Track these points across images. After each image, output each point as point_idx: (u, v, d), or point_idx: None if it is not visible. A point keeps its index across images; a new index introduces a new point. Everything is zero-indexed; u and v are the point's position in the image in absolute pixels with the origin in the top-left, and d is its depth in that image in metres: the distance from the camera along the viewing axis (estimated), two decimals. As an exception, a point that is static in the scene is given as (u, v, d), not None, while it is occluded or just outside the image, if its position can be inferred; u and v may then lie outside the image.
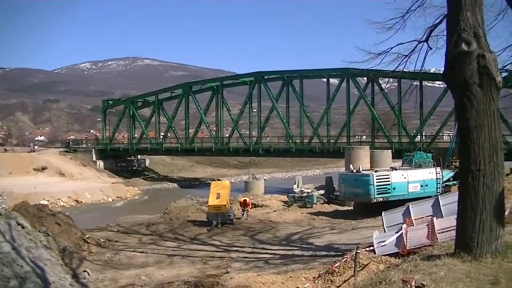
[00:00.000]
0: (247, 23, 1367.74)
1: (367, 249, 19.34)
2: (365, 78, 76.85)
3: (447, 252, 14.12)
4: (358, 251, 17.22)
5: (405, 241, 19.64)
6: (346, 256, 18.60)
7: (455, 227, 14.70)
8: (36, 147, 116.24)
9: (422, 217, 21.60)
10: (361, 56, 19.40)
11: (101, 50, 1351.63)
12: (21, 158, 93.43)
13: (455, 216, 16.46)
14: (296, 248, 28.79)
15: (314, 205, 46.52)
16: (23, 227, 23.98)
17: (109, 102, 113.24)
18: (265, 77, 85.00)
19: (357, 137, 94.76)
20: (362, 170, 42.27)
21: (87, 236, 32.42)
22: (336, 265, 17.86)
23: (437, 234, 19.39)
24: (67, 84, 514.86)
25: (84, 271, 24.16)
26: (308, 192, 48.60)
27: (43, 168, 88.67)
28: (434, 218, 20.40)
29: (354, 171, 42.51)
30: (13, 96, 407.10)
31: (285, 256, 26.58)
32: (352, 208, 44.60)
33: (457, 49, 13.26)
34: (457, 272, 11.89)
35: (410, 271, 12.82)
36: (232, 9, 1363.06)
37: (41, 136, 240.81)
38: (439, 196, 26.61)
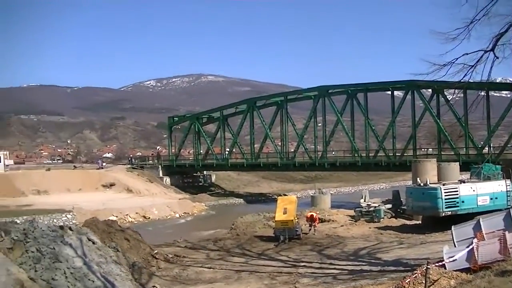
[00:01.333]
0: (311, 37, 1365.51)
1: (437, 264, 19.05)
2: (430, 90, 75.91)
3: (522, 268, 13.81)
4: (428, 266, 16.99)
5: (476, 256, 19.27)
6: (416, 271, 18.36)
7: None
8: (104, 164, 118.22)
9: (494, 231, 21.15)
10: (426, 68, 19.14)
11: (165, 67, 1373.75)
12: (89, 175, 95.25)
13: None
14: (364, 263, 28.56)
15: (381, 219, 46.03)
16: (93, 243, 24.32)
17: (175, 118, 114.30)
18: (329, 91, 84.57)
19: (423, 149, 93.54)
20: (430, 183, 41.69)
21: (156, 251, 32.71)
22: (406, 281, 17.64)
23: (510, 249, 18.99)
24: (132, 101, 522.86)
25: (153, 286, 24.43)
26: (375, 206, 48.14)
27: (111, 185, 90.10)
28: (506, 232, 19.97)
29: (422, 184, 41.94)
30: (81, 114, 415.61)
31: (353, 271, 26.40)
32: (420, 222, 43.92)
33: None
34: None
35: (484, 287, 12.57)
36: (295, 24, 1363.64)
37: (108, 153, 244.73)
38: (510, 209, 26.02)
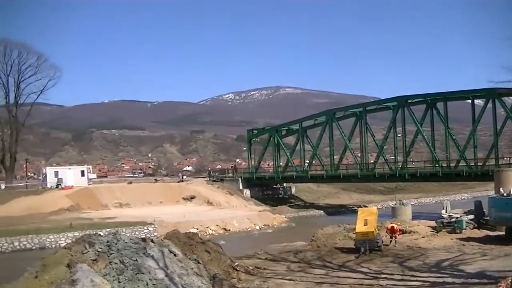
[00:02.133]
0: (389, 48, 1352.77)
1: (522, 276, 18.77)
2: (511, 98, 74.51)
3: None
4: (512, 278, 16.78)
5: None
6: (500, 284, 18.15)
7: None
8: (184, 177, 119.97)
9: None
10: (508, 75, 19.00)
11: (243, 81, 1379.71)
12: (170, 188, 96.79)
13: None
14: (446, 275, 28.26)
15: (463, 230, 45.35)
16: (175, 255, 24.75)
17: (254, 131, 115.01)
18: (408, 101, 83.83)
19: (505, 158, 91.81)
20: (513, 193, 40.97)
21: (236, 263, 32.87)
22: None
23: None
24: (212, 115, 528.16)
25: (234, 298, 24.69)
26: (456, 217, 47.47)
27: (192, 197, 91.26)
28: None
29: (505, 194, 41.24)
30: (162, 128, 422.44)
31: (435, 283, 26.17)
32: (503, 233, 43.08)
33: None
34: None
35: None
36: (373, 35, 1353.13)
37: (188, 166, 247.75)
38: None
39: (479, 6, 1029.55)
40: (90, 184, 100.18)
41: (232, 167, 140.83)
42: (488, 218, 45.42)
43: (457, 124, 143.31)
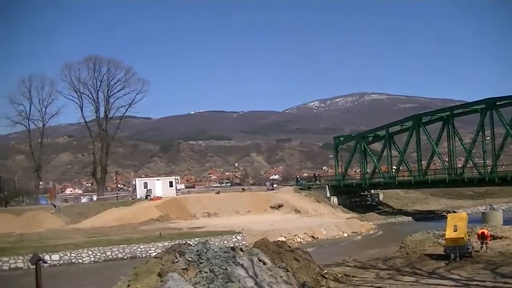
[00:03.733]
0: (475, 49, 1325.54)
1: None
2: None
3: None
4: None
5: None
6: None
7: None
8: (275, 185, 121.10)
9: None
10: None
11: (328, 88, 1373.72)
12: (258, 197, 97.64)
13: None
14: (542, 282, 27.76)
15: (557, 235, 44.33)
16: (264, 263, 25.02)
17: (340, 138, 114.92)
18: (497, 103, 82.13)
19: None
20: None
21: (325, 271, 32.83)
22: None
23: None
24: (297, 123, 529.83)
25: (324, 305, 24.80)
26: (550, 221, 46.46)
27: (279, 206, 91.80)
28: None
29: None
30: (248, 137, 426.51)
31: (528, 290, 25.78)
32: None
33: None
34: None
35: None
36: (459, 37, 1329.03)
37: (275, 175, 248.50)
38: None
39: None
40: (178, 194, 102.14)
41: (315, 174, 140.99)
42: None
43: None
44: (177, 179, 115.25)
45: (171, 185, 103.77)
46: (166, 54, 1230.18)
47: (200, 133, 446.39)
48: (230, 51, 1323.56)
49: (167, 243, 51.93)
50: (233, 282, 21.16)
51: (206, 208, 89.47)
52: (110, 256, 57.58)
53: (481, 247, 39.93)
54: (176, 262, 22.42)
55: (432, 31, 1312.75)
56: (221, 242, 56.92)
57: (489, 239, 40.97)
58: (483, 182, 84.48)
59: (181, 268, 21.81)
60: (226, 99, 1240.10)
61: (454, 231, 37.76)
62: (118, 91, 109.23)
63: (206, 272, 21.45)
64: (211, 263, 22.11)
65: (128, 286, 21.88)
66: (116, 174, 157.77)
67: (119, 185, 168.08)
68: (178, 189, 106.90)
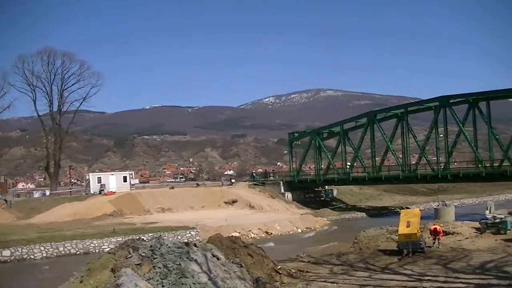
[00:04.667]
0: (428, 48, 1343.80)
1: None
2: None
3: None
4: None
5: None
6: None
7: None
8: (233, 180, 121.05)
9: None
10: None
11: (284, 84, 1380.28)
12: (212, 192, 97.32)
13: None
14: (491, 277, 28.00)
15: (508, 231, 44.80)
16: (218, 259, 24.94)
17: (295, 134, 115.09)
18: (450, 101, 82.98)
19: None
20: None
21: (279, 267, 32.88)
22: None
23: None
24: (252, 119, 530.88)
25: (277, 301, 24.72)
26: (501, 218, 46.93)
27: (233, 201, 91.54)
28: None
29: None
30: (203, 133, 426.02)
31: (479, 285, 25.96)
32: (550, 233, 42.57)
33: None
34: None
35: None
36: (412, 35, 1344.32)
37: (230, 170, 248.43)
38: None
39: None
40: (133, 189, 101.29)
41: (273, 170, 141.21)
42: (533, 218, 44.87)
43: (500, 123, 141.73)
44: (131, 174, 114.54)
45: (125, 180, 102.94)
46: (121, 48, 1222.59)
47: (155, 128, 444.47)
48: (184, 47, 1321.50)
49: (121, 239, 51.63)
50: (186, 277, 21.01)
51: (160, 203, 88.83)
52: (63, 252, 56.80)
53: (434, 242, 40.39)
54: (130, 257, 22.16)
55: (388, 28, 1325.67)
56: (175, 238, 56.57)
57: (442, 235, 41.42)
58: (436, 178, 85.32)
59: (135, 264, 21.55)
60: (181, 94, 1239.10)
61: (407, 227, 38.09)
62: (72, 84, 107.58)
63: (159, 268, 21.26)
64: (165, 258, 21.92)
65: (81, 282, 21.54)
66: (70, 168, 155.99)
67: (72, 180, 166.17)
68: (132, 184, 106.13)
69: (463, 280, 27.75)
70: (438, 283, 27.53)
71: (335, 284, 29.36)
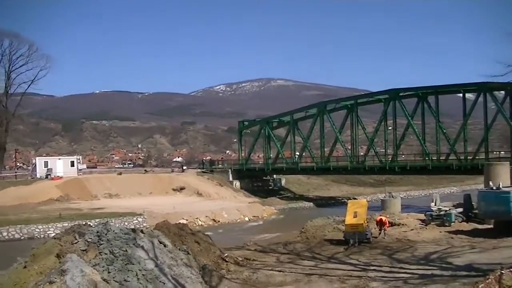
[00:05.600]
0: (380, 41, 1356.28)
1: (511, 269, 18.81)
2: (502, 92, 74.72)
3: None
4: (502, 271, 16.81)
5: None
6: (489, 276, 18.19)
7: None
8: (185, 167, 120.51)
9: None
10: (499, 69, 18.96)
11: (235, 72, 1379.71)
12: (160, 179, 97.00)
13: None
14: (435, 268, 28.29)
15: (452, 224, 45.40)
16: (165, 246, 24.72)
17: (245, 123, 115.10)
18: (400, 94, 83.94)
19: (495, 153, 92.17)
20: (502, 187, 41.01)
21: (226, 254, 32.89)
22: (479, 286, 17.50)
23: None
24: (203, 106, 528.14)
25: (223, 289, 24.66)
26: (446, 210, 47.54)
27: (182, 188, 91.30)
28: None
29: (494, 188, 41.30)
30: (152, 119, 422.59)
31: (424, 275, 26.19)
32: (492, 226, 43.19)
33: None
34: None
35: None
36: (364, 27, 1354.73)
37: (178, 157, 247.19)
38: None
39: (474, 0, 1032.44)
40: (80, 174, 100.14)
41: (222, 158, 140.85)
42: (477, 211, 45.50)
43: (448, 118, 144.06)
44: (79, 159, 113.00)
45: (72, 164, 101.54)
46: (71, 31, 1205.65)
47: (104, 113, 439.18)
48: (136, 32, 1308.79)
49: (67, 224, 50.79)
50: (133, 264, 20.76)
51: (108, 189, 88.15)
52: (7, 237, 56.09)
53: (380, 233, 40.69)
54: (76, 243, 21.80)
55: (338, 20, 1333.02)
56: (122, 224, 56.11)
57: (387, 225, 41.75)
58: (384, 170, 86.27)
59: (81, 249, 21.21)
60: (131, 80, 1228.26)
61: (354, 217, 38.30)
62: (20, 66, 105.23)
63: (106, 254, 20.96)
64: (111, 244, 21.62)
65: (25, 267, 21.09)
66: (16, 152, 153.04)
67: (18, 164, 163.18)
68: (80, 169, 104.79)
69: (407, 271, 27.98)
70: (383, 273, 27.74)
71: (281, 272, 29.39)
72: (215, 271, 27.93)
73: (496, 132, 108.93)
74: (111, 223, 26.01)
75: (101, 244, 21.60)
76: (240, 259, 33.26)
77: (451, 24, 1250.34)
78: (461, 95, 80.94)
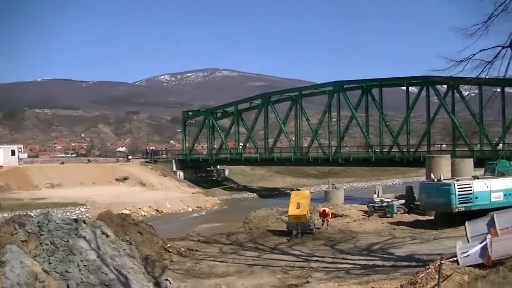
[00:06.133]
0: (326, 32, 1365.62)
1: (450, 259, 18.96)
2: (445, 86, 75.78)
3: (537, 264, 13.69)
4: (441, 261, 16.93)
5: (490, 252, 19.16)
6: (429, 266, 18.31)
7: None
8: (130, 157, 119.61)
9: (508, 227, 21.03)
10: (443, 64, 19.01)
11: (180, 62, 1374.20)
12: (103, 169, 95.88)
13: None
14: (377, 258, 28.49)
15: (394, 215, 45.87)
16: (107, 236, 24.44)
17: (189, 113, 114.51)
18: (344, 86, 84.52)
19: (437, 145, 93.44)
20: (444, 179, 41.54)
21: (169, 245, 32.75)
22: (419, 276, 17.61)
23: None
24: (147, 96, 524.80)
25: (166, 279, 24.39)
26: (388, 202, 47.99)
27: (125, 178, 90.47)
28: (521, 228, 19.81)
29: (435, 180, 41.81)
30: (96, 108, 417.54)
31: (366, 266, 26.33)
32: (433, 217, 43.77)
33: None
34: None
35: (498, 283, 12.49)
36: (310, 19, 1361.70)
37: (122, 147, 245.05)
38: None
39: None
40: (21, 164, 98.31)
41: (166, 148, 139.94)
42: (418, 203, 46.06)
43: (391, 111, 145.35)
44: (20, 147, 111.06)
45: (13, 153, 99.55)
46: (12, 16, 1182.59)
47: (47, 101, 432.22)
48: (80, 21, 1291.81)
49: (7, 214, 49.65)
50: (74, 254, 20.47)
51: (50, 178, 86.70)
52: None
53: (322, 224, 40.84)
54: (16, 233, 21.30)
55: (283, 12, 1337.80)
56: (64, 214, 55.38)
57: (330, 217, 41.95)
58: (327, 162, 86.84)
59: (21, 240, 20.75)
60: (75, 68, 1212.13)
61: (297, 208, 38.36)
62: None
63: (47, 244, 20.61)
64: (53, 235, 21.27)
65: (-39, 258, 20.49)
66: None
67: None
68: (21, 159, 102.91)
69: (350, 261, 28.11)
70: (325, 264, 27.82)
71: (224, 263, 29.32)
72: (158, 261, 27.76)
73: (438, 125, 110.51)
74: (53, 214, 25.56)
75: (42, 234, 21.24)
76: (183, 249, 33.15)
77: (396, 17, 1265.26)
78: (404, 88, 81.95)
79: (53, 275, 18.74)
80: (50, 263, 19.46)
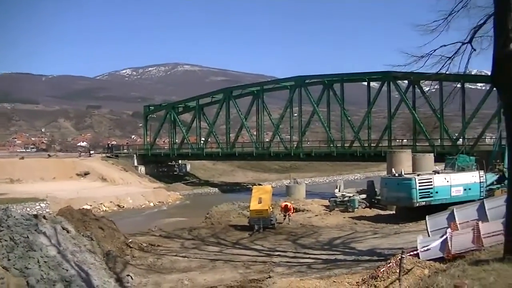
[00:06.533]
0: (286, 26, 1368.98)
1: (411, 253, 19.11)
2: (406, 81, 76.29)
3: (496, 257, 13.83)
4: (402, 255, 17.03)
5: (450, 245, 19.35)
6: (390, 261, 18.42)
7: (501, 232, 14.40)
8: (92, 152, 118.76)
9: (467, 221, 21.25)
10: (403, 59, 19.10)
11: (141, 56, 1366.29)
12: (64, 164, 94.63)
13: (501, 220, 16.14)
14: (338, 253, 28.63)
15: (356, 210, 46.11)
16: (68, 232, 24.20)
17: (150, 107, 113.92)
18: (306, 81, 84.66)
19: (398, 140, 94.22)
20: (404, 173, 41.86)
21: (130, 240, 32.62)
22: (381, 270, 17.69)
23: (483, 239, 19.05)
24: (108, 90, 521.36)
25: (128, 275, 24.24)
26: (349, 196, 48.23)
27: (86, 174, 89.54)
28: (480, 222, 20.04)
29: (396, 175, 42.15)
30: (56, 102, 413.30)
31: (327, 260, 26.44)
32: (394, 212, 44.11)
33: (505, 49, 12.97)
34: (507, 278, 11.58)
35: (458, 276, 12.55)
36: (271, 13, 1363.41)
37: (83, 142, 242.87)
38: (484, 200, 26.07)
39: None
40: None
41: (127, 143, 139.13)
42: (380, 197, 46.38)
43: (352, 106, 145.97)
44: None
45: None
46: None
47: (6, 95, 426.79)
48: (39, 13, 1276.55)
49: (-36, 210, 48.96)
50: (34, 250, 20.13)
51: (9, 174, 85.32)
52: None
53: (284, 219, 40.85)
54: (-27, 230, 20.91)
55: (244, 7, 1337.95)
56: (24, 210, 54.70)
57: (292, 211, 41.99)
58: (289, 156, 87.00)
59: (-21, 237, 20.37)
60: (34, 62, 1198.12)
61: (258, 203, 38.38)
62: None
63: (6, 241, 20.22)
64: (12, 231, 20.88)
65: None
66: None
67: None
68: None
69: (311, 256, 28.20)
70: (287, 258, 27.89)
71: (186, 258, 29.28)
72: (120, 257, 27.60)
73: (399, 121, 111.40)
74: (12, 209, 25.21)
75: (1, 230, 20.84)
76: (145, 245, 33.05)
77: (358, 12, 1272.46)
78: (366, 83, 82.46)
79: (12, 271, 18.43)
80: (9, 260, 19.12)
